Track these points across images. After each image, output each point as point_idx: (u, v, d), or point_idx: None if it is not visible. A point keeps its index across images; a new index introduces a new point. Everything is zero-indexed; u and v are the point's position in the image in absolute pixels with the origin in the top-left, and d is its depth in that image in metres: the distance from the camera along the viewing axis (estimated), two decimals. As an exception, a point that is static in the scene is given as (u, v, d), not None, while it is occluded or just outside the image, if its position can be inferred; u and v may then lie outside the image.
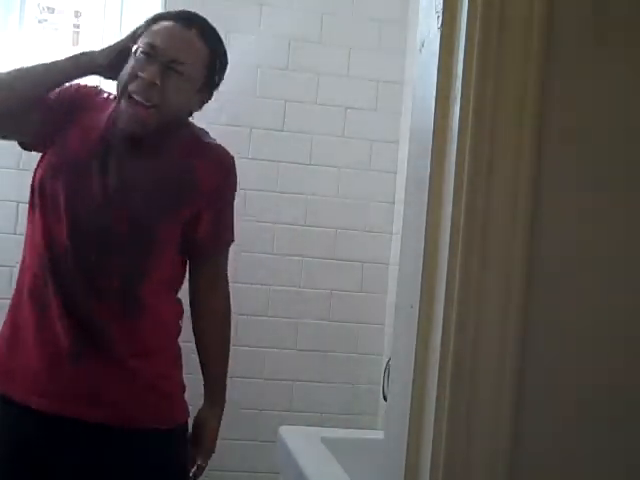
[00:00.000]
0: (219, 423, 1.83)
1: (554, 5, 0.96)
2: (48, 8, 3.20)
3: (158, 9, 2.54)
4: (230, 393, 2.56)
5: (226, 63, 1.77)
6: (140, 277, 1.66)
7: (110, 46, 1.72)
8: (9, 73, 1.69)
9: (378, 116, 2.67)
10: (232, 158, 1.78)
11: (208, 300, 1.82)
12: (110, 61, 1.69)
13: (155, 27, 1.68)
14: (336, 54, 2.64)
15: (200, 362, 1.82)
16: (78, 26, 3.42)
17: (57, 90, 1.70)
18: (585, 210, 0.98)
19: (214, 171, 1.74)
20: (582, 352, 0.98)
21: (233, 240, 1.84)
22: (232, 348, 2.56)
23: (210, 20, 2.56)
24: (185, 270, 1.79)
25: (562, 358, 0.97)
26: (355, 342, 2.65)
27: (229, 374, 2.57)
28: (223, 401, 1.86)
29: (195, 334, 1.82)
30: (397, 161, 2.66)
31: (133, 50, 1.66)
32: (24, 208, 1.74)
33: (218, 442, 2.54)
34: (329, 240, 2.64)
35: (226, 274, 1.85)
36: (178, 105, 1.67)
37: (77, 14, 3.39)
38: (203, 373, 1.82)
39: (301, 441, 1.94)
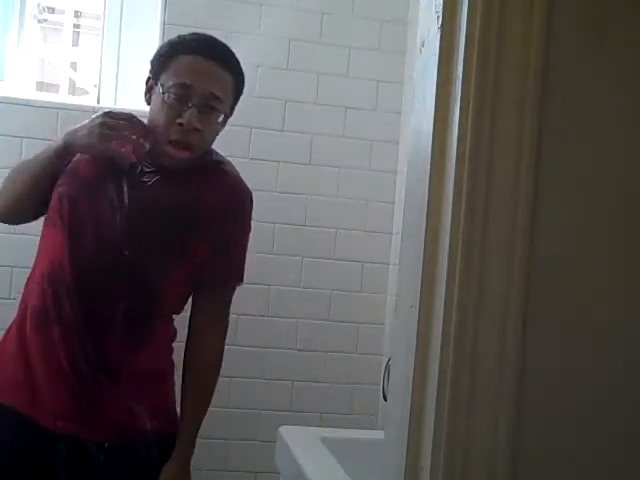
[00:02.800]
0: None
1: (554, 5, 0.96)
2: (48, 8, 3.20)
3: (158, 9, 2.54)
4: (230, 393, 2.57)
5: (244, 81, 1.79)
6: (147, 303, 1.67)
7: (85, 126, 1.65)
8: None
9: (378, 116, 2.67)
10: (246, 192, 1.75)
11: (197, 342, 1.75)
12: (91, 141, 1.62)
13: (177, 63, 1.66)
14: (336, 54, 2.64)
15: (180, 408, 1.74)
16: (78, 26, 3.43)
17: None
18: (585, 210, 0.98)
19: (218, 200, 1.70)
20: (582, 352, 0.98)
21: (240, 281, 1.81)
22: (232, 348, 2.57)
23: (210, 20, 2.57)
24: (187, 300, 1.79)
25: (562, 358, 0.97)
26: (355, 342, 2.65)
27: (229, 374, 2.57)
28: (189, 453, 1.73)
29: (183, 380, 1.75)
30: (397, 161, 2.66)
31: (161, 91, 1.64)
32: (24, 208, 1.73)
33: (218, 442, 2.54)
34: (329, 240, 2.63)
35: (223, 319, 1.81)
36: (213, 139, 1.72)
37: (77, 14, 3.40)
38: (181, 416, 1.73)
39: (301, 441, 1.93)
